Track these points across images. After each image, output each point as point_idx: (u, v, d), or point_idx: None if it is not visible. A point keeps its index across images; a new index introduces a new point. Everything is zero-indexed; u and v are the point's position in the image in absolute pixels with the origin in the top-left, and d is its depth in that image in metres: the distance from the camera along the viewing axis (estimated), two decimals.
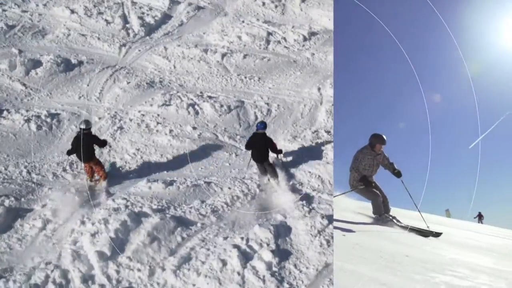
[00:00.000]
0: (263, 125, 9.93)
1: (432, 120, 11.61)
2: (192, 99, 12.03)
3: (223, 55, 13.78)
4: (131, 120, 11.32)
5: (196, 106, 11.83)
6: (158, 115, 11.54)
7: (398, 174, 10.21)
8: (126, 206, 8.85)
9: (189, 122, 11.41)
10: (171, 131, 11.09)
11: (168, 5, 15.78)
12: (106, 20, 14.61)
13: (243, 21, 15.45)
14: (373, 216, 10.15)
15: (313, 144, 11.07)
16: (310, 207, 9.35)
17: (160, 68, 13.29)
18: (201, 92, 12.46)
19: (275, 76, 13.43)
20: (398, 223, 10.00)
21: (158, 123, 11.29)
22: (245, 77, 13.26)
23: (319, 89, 13.00)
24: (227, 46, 14.29)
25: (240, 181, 9.95)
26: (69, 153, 9.49)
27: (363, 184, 9.95)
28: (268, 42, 14.71)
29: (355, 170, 10.05)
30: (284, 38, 14.99)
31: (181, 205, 9.14)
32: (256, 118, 11.92)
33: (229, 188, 9.70)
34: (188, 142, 10.81)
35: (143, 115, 11.50)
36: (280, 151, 9.98)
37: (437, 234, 9.85)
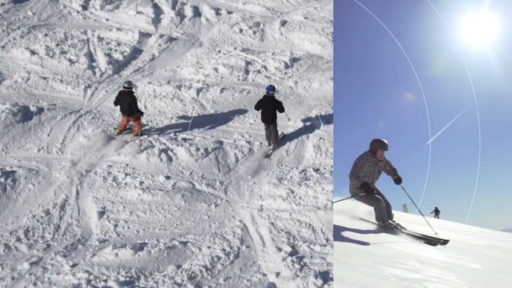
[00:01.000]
0: (272, 88, 10.96)
1: (432, 120, 11.00)
2: (164, 144, 10.86)
3: (199, 91, 12.65)
4: (96, 173, 10.07)
5: (169, 152, 10.65)
6: (127, 165, 10.33)
7: (397, 180, 9.62)
8: (89, 282, 7.58)
9: (161, 171, 10.22)
10: (141, 183, 9.89)
11: (138, 38, 14.66)
12: (70, 60, 13.45)
13: (219, 51, 14.36)
14: (376, 222, 9.54)
15: (301, 186, 9.86)
16: (302, 263, 8.17)
17: None
18: (175, 134, 11.28)
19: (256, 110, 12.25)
20: (402, 229, 9.40)
21: (126, 174, 10.08)
22: (224, 114, 12.08)
23: (304, 121, 11.85)
24: (202, 80, 13.17)
25: (221, 238, 8.75)
26: (115, 103, 11.13)
27: (364, 191, 9.29)
28: (247, 72, 13.62)
29: (355, 177, 9.38)
30: (265, 67, 13.91)
31: (153, 273, 7.92)
32: (237, 159, 10.78)
33: (209, 247, 8.49)
34: (161, 195, 9.60)
35: (110, 166, 10.29)
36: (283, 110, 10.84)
37: (444, 242, 9.17)
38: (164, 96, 12.49)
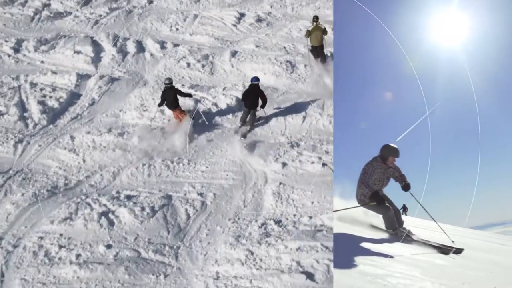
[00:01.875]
0: (257, 78, 12.14)
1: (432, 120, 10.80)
2: (105, 205, 9.58)
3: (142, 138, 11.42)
4: (25, 248, 8.71)
5: (110, 215, 9.38)
6: (61, 235, 9.00)
7: (406, 187, 9.20)
8: None
9: (101, 239, 8.93)
10: (78, 256, 8.57)
11: (76, 81, 13.41)
12: None
13: None
14: (387, 230, 9.10)
15: (261, 245, 8.73)
16: None
17: (66, 165, 10.81)
18: (117, 192, 10.03)
19: (208, 155, 11.16)
20: (414, 237, 8.98)
21: (61, 247, 8.75)
22: (172, 162, 10.90)
23: (261, 164, 10.79)
24: (147, 125, 11.94)
25: None
26: (159, 105, 11.99)
27: (374, 201, 8.89)
28: (197, 112, 12.50)
29: (365, 185, 8.94)
30: (215, 104, 12.81)
31: None
32: (188, 217, 9.60)
33: None
34: (100, 270, 8.32)
35: (41, 238, 8.94)
36: (265, 102, 12.03)
37: (458, 251, 8.61)
38: (104, 147, 11.25)
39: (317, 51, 14.53)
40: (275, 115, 12.48)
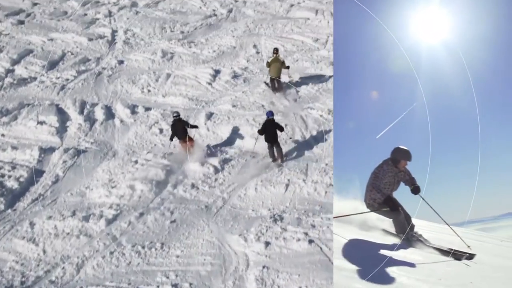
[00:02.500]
0: (272, 113, 12.37)
1: (432, 120, 10.74)
2: None
3: (110, 221, 10.34)
4: None
5: None
6: None
7: (415, 190, 9.02)
8: None
9: None
10: None
11: (38, 156, 12.36)
12: None
13: (136, 161, 12.21)
14: (398, 235, 8.90)
15: None
16: None
17: (24, 258, 9.64)
18: None
19: (184, 236, 10.10)
20: (427, 242, 8.84)
21: None
22: (143, 247, 9.79)
23: (242, 245, 9.73)
24: (116, 204, 10.90)
25: None
26: (171, 138, 12.53)
27: (388, 207, 8.76)
28: (173, 186, 11.54)
29: (377, 190, 8.81)
30: (193, 180, 11.81)
31: None
32: None
33: None
34: None
35: None
36: (282, 130, 12.30)
37: (470, 256, 8.34)
38: (68, 234, 10.12)
39: (277, 81, 15.31)
40: (255, 183, 11.49)
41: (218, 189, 11.47)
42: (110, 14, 21.35)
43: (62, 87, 15.64)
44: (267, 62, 15.43)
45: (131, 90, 15.76)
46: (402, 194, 9.39)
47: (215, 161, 12.15)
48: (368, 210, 9.23)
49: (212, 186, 11.56)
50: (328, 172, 11.55)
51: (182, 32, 20.31)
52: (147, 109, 14.53)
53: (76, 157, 12.51)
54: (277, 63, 15.29)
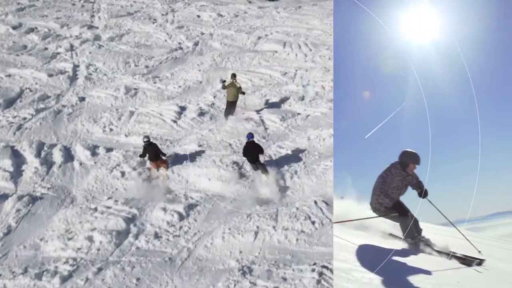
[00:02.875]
0: (252, 135, 12.83)
1: (432, 120, 10.66)
2: None
3: (66, 278, 9.55)
4: None
5: None
6: None
7: (423, 194, 8.86)
8: None
9: None
10: None
11: None
12: None
13: (95, 209, 11.47)
14: (405, 239, 8.83)
15: None
16: None
17: None
18: None
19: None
20: (434, 247, 8.75)
21: None
22: None
23: None
24: (72, 258, 10.11)
25: None
26: (142, 156, 12.90)
27: (397, 212, 8.59)
28: (135, 236, 10.81)
29: (385, 195, 8.60)
30: (153, 224, 11.13)
31: None
32: None
33: None
34: None
35: None
36: (262, 152, 12.68)
37: (480, 262, 8.30)
38: None
39: (231, 106, 15.72)
40: (223, 231, 10.88)
41: (183, 238, 10.82)
42: (72, 48, 20.70)
43: (19, 127, 14.83)
44: (223, 84, 15.80)
45: (92, 129, 15.05)
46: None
47: (179, 207, 11.50)
48: (375, 215, 9.09)
49: (176, 235, 10.90)
50: (299, 218, 11.04)
51: (146, 67, 19.77)
52: (109, 150, 13.84)
53: (31, 204, 11.70)
54: (233, 88, 15.56)
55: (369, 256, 7.88)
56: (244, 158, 12.75)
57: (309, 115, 16.37)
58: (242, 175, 12.77)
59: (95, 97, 17.06)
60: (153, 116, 15.74)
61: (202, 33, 24.07)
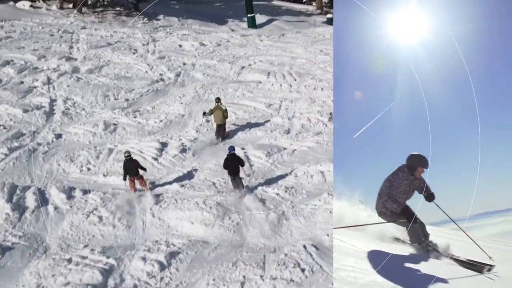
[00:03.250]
0: (233, 148, 13.23)
1: (432, 119, 10.49)
2: None
3: None
4: None
5: None
6: None
7: (429, 197, 8.71)
8: None
9: None
10: None
11: None
12: None
13: (69, 260, 10.70)
14: (412, 244, 8.63)
15: None
16: None
17: None
18: None
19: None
20: (443, 253, 8.48)
21: None
22: None
23: None
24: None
25: None
26: (124, 178, 13.07)
27: (405, 219, 8.37)
28: (115, 286, 10.04)
29: (392, 200, 8.42)
30: (131, 275, 10.39)
31: None
32: None
33: None
34: None
35: None
36: (243, 165, 13.15)
37: (490, 268, 7.99)
38: None
39: (219, 129, 16.20)
40: (207, 283, 10.18)
41: (167, 279, 10.08)
42: (49, 81, 20.05)
43: None
44: (210, 109, 16.30)
45: (68, 169, 14.33)
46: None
47: (160, 255, 10.79)
48: (381, 219, 8.94)
49: (157, 287, 10.14)
50: (288, 265, 10.38)
51: (126, 100, 19.17)
52: (86, 192, 13.10)
53: (0, 256, 10.86)
54: (219, 111, 15.98)
55: (373, 260, 7.78)
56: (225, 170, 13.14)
57: (295, 150, 15.83)
58: (225, 216, 12.09)
59: (72, 133, 16.37)
60: (133, 153, 15.05)
61: (184, 64, 23.60)
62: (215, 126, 16.48)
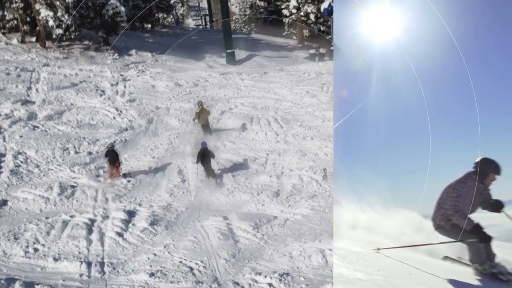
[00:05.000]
0: (205, 143, 15.25)
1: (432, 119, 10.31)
2: None
3: None
4: None
5: None
6: None
7: (496, 205, 7.53)
8: None
9: None
10: None
11: None
12: None
13: None
14: (470, 264, 7.45)
15: None
16: None
17: None
18: None
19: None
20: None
21: None
22: None
23: None
24: None
25: None
26: (106, 155, 15.04)
27: (478, 239, 7.11)
28: None
29: (459, 214, 7.13)
30: None
31: None
32: None
33: None
34: None
35: None
36: (214, 157, 15.46)
37: None
38: None
39: (205, 128, 18.11)
40: None
41: None
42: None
43: None
44: (196, 113, 18.32)
45: (10, 250, 11.57)
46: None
47: None
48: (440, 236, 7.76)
49: None
50: None
51: (89, 153, 16.52)
52: (29, 285, 10.28)
53: None
54: (204, 113, 18.13)
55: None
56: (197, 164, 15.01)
57: (287, 219, 13.35)
58: None
59: (20, 199, 13.65)
60: (93, 229, 12.36)
61: (157, 107, 21.10)
62: (192, 186, 14.05)
